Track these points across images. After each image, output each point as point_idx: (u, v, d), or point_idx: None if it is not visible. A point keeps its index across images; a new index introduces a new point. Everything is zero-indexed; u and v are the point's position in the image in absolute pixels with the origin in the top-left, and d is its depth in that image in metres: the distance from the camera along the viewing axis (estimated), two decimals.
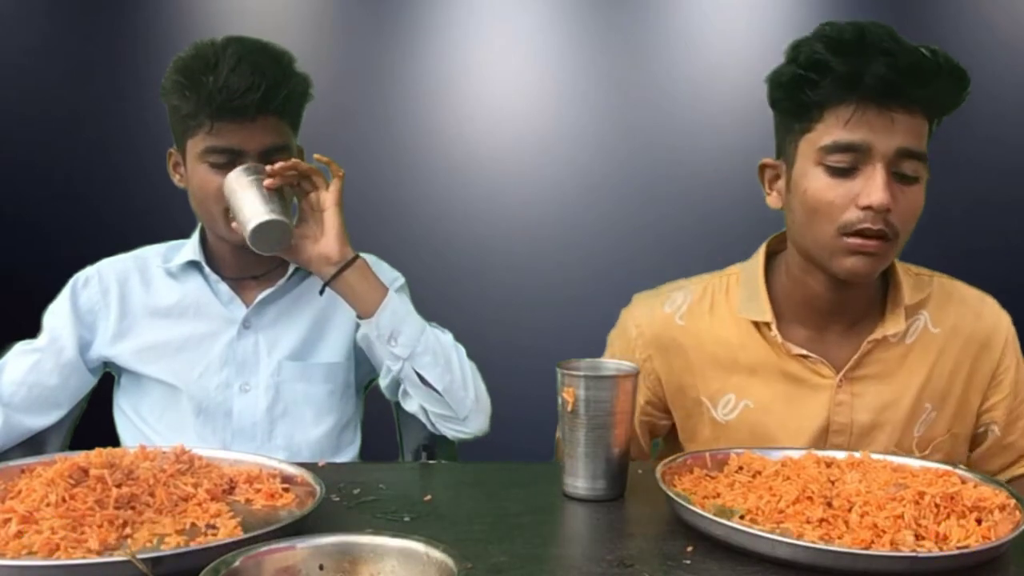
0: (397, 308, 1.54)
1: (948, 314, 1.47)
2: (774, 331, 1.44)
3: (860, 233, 1.33)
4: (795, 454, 1.28)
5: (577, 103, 3.39)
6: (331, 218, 1.52)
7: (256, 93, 1.51)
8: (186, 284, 1.67)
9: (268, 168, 1.50)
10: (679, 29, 3.40)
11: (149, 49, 3.22)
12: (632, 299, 1.59)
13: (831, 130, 1.33)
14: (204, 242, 1.68)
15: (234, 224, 1.52)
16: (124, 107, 3.27)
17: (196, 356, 1.63)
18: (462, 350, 1.61)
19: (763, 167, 1.46)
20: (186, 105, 1.54)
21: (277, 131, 1.56)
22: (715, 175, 3.30)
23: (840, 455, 1.27)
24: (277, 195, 1.50)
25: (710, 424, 1.50)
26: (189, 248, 1.67)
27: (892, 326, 1.43)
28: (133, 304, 1.65)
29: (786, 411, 1.46)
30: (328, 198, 1.53)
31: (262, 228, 1.46)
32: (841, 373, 1.44)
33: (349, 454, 1.69)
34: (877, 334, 1.43)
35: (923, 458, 1.36)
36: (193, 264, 1.66)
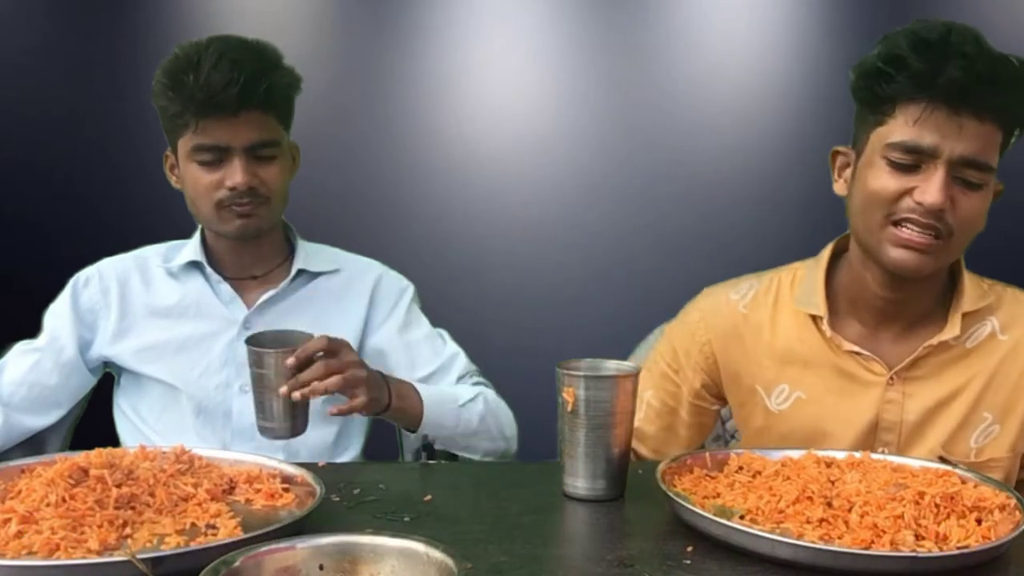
0: (433, 420, 1.55)
1: (1018, 324, 1.46)
2: (825, 325, 1.45)
3: (909, 224, 1.34)
4: (795, 454, 1.28)
5: (577, 103, 3.39)
6: (357, 400, 1.44)
7: (235, 87, 1.51)
8: (187, 284, 1.67)
9: (292, 372, 1.37)
10: (679, 29, 3.39)
11: (149, 49, 3.20)
12: (700, 293, 1.61)
13: (900, 128, 1.34)
14: (205, 242, 1.68)
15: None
16: (124, 107, 3.26)
17: (196, 356, 1.63)
18: (490, 403, 1.63)
19: (835, 153, 1.48)
20: (172, 106, 1.55)
21: (263, 126, 1.57)
22: (715, 175, 3.29)
23: (840, 455, 1.27)
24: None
25: (763, 413, 1.51)
26: (190, 248, 1.67)
27: (949, 331, 1.42)
28: (133, 304, 1.66)
29: (837, 404, 1.46)
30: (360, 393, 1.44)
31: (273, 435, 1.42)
32: (893, 371, 1.44)
33: (348, 457, 1.68)
34: (934, 339, 1.42)
35: (975, 466, 1.36)
36: (194, 264, 1.67)
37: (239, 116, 1.54)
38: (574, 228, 3.39)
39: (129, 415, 1.67)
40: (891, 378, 1.43)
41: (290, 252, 1.71)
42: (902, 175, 1.34)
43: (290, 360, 1.37)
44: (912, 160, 1.33)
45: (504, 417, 1.66)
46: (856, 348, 1.44)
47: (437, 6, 3.39)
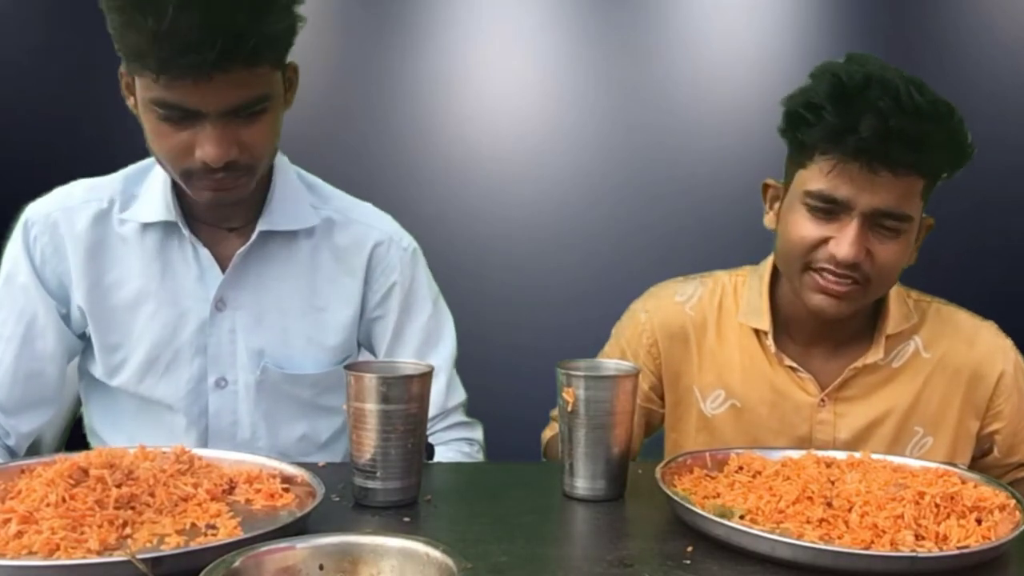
0: None
1: (940, 341, 1.49)
2: (769, 341, 1.48)
3: (826, 272, 1.36)
4: (795, 454, 1.28)
5: (577, 103, 3.39)
6: None
7: (210, 50, 1.16)
8: (152, 246, 1.42)
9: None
10: (679, 29, 3.39)
11: None
12: (644, 292, 1.63)
13: (817, 176, 1.34)
14: (174, 187, 1.40)
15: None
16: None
17: (161, 347, 1.43)
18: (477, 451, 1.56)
19: (766, 186, 1.50)
20: (127, 41, 1.22)
21: (247, 84, 1.24)
22: (716, 176, 3.29)
23: (840, 455, 1.27)
24: None
25: (697, 415, 1.54)
26: (158, 201, 1.40)
27: (873, 354, 1.46)
28: (91, 274, 1.43)
29: (770, 418, 1.49)
30: None
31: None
32: (823, 393, 1.47)
33: (342, 443, 1.56)
34: (859, 362, 1.46)
35: None
36: (166, 224, 1.40)
37: (213, 80, 1.19)
38: (574, 228, 3.39)
39: (99, 432, 1.50)
40: (822, 399, 1.47)
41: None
42: (820, 223, 1.35)
43: None
44: (828, 208, 1.34)
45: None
46: (795, 364, 1.47)
47: (437, 6, 3.39)
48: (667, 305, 1.57)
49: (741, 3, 3.35)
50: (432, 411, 1.37)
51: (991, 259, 3.21)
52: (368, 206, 1.57)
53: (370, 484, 1.17)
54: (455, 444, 1.58)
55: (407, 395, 1.15)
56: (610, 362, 1.30)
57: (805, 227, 1.37)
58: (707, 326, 1.54)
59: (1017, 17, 3.31)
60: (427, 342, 1.56)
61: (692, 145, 3.33)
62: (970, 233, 3.26)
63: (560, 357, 1.26)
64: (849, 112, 1.29)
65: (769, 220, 1.49)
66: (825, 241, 1.35)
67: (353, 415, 1.17)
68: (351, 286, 1.50)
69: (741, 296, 1.53)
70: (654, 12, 3.38)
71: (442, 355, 1.56)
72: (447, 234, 3.37)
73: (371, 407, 1.15)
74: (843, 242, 1.33)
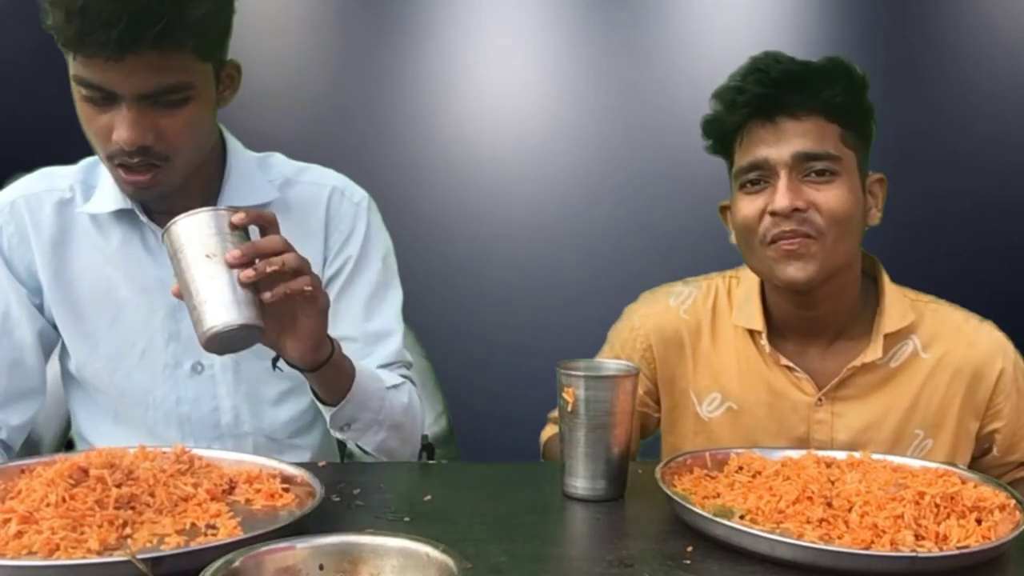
0: (359, 398, 1.34)
1: (940, 341, 1.48)
2: (764, 341, 1.48)
3: (780, 238, 1.38)
4: (795, 454, 1.28)
5: (577, 103, 3.39)
6: (312, 325, 1.22)
7: (115, 28, 1.15)
8: (112, 236, 1.41)
9: (239, 253, 1.12)
10: (679, 29, 3.39)
11: None
12: (639, 297, 1.63)
13: (738, 155, 1.43)
14: None
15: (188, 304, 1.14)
16: None
17: (132, 338, 1.42)
18: (414, 397, 1.46)
19: (722, 209, 1.53)
20: (53, 19, 1.22)
21: (162, 69, 1.22)
22: (716, 176, 3.29)
23: (840, 455, 1.27)
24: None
25: (693, 419, 1.54)
26: (115, 192, 1.38)
27: (871, 353, 1.45)
28: (57, 261, 1.42)
29: (767, 419, 1.49)
30: (318, 307, 1.22)
31: (223, 334, 1.13)
32: (821, 392, 1.46)
33: (317, 434, 1.53)
34: (857, 361, 1.45)
35: None
36: (127, 213, 1.39)
37: (124, 60, 1.18)
38: (574, 228, 3.39)
39: (85, 433, 1.49)
40: (819, 399, 1.46)
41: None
42: (756, 196, 1.40)
43: (237, 216, 1.12)
44: (757, 177, 1.40)
45: (420, 418, 1.48)
46: (791, 363, 1.47)
47: (437, 6, 3.39)
48: (661, 309, 1.57)
49: (741, 3, 3.36)
50: (390, 359, 1.47)
51: (991, 259, 3.21)
52: (315, 167, 1.55)
53: (232, 318, 1.11)
54: (396, 370, 1.50)
55: None
56: (610, 362, 1.30)
57: (746, 206, 1.41)
58: (701, 329, 1.55)
59: (1017, 17, 3.31)
60: (375, 295, 1.51)
61: (692, 145, 3.30)
62: (970, 233, 3.26)
63: (560, 357, 1.26)
64: (738, 83, 1.41)
65: (733, 237, 1.51)
66: (765, 209, 1.39)
67: None
68: (313, 245, 1.48)
69: (735, 297, 1.54)
70: (654, 12, 3.38)
71: (390, 313, 1.52)
72: (447, 234, 3.38)
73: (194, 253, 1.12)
74: (777, 196, 1.37)
